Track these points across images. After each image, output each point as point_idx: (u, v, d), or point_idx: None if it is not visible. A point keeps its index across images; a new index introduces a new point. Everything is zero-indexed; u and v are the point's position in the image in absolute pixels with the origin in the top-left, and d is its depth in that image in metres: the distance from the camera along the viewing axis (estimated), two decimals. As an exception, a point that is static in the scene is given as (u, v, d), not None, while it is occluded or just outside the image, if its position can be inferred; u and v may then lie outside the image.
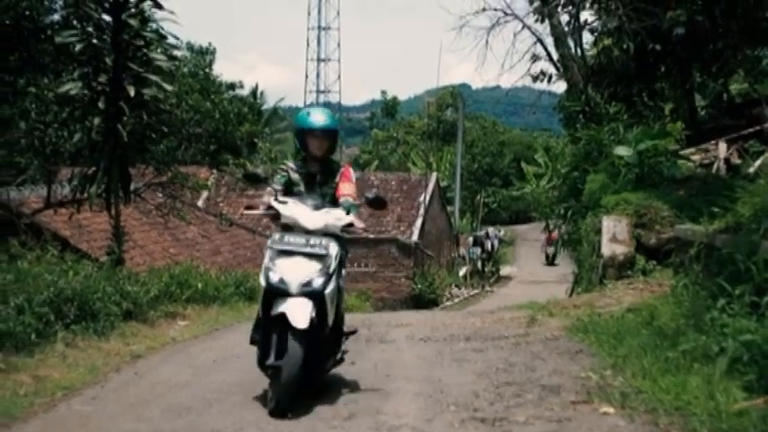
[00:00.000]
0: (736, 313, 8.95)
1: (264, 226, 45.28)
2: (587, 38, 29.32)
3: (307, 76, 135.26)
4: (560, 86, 30.85)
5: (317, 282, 8.28)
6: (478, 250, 56.39)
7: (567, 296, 21.63)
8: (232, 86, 65.17)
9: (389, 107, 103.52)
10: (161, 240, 29.77)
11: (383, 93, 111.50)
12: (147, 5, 17.53)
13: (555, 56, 29.32)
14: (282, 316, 8.11)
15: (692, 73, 27.00)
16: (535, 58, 29.62)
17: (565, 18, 28.40)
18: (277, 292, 8.23)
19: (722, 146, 23.88)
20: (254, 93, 66.98)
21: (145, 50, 17.59)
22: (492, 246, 58.70)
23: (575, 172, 25.02)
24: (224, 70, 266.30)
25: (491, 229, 64.46)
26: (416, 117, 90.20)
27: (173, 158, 21.05)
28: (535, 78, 29.64)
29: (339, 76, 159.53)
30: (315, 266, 8.32)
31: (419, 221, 45.60)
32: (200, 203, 40.47)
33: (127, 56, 17.41)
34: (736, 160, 23.26)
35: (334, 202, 9.07)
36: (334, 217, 8.69)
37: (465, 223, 68.18)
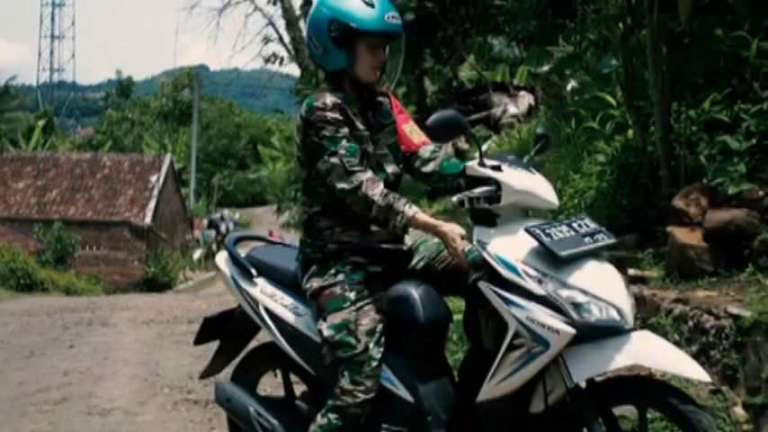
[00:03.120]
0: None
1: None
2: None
3: (40, 54, 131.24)
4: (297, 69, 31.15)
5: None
6: (213, 233, 56.11)
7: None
8: (-43, 63, 62.53)
9: (124, 87, 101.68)
10: None
11: (118, 72, 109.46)
12: None
13: (287, 38, 29.55)
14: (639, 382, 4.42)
15: (422, 58, 27.59)
16: (267, 40, 29.81)
17: (297, 1, 28.64)
18: (593, 333, 4.18)
19: (449, 131, 24.55)
20: (-18, 70, 64.44)
21: None
22: (227, 228, 58.48)
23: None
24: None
25: (226, 212, 64.17)
26: (152, 97, 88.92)
27: None
28: (267, 60, 29.83)
29: (73, 55, 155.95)
30: (615, 272, 4.42)
31: (152, 203, 45.00)
32: None
33: None
34: (463, 145, 23.95)
35: (400, 159, 5.01)
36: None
37: (201, 205, 67.67)
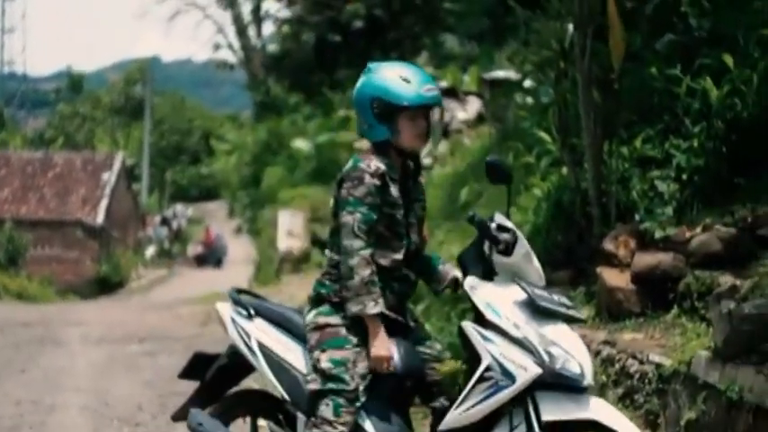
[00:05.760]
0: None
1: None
2: (271, 29, 29.88)
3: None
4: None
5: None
6: (165, 230, 56.01)
7: (248, 287, 22.04)
8: None
9: (75, 83, 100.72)
10: None
11: (69, 68, 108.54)
12: None
13: (237, 45, 29.75)
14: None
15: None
16: (217, 46, 29.99)
17: (248, 8, 28.84)
18: (556, 380, 4.67)
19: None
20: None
21: None
22: (179, 225, 58.40)
23: (255, 164, 25.47)
24: None
25: (179, 208, 63.82)
26: (104, 91, 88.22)
27: None
28: (217, 66, 30.04)
29: (24, 48, 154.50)
30: (579, 339, 4.93)
31: (104, 202, 44.84)
32: None
33: None
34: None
35: (422, 233, 5.40)
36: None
37: (153, 201, 67.36)
